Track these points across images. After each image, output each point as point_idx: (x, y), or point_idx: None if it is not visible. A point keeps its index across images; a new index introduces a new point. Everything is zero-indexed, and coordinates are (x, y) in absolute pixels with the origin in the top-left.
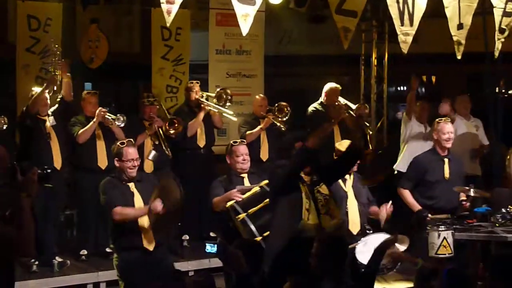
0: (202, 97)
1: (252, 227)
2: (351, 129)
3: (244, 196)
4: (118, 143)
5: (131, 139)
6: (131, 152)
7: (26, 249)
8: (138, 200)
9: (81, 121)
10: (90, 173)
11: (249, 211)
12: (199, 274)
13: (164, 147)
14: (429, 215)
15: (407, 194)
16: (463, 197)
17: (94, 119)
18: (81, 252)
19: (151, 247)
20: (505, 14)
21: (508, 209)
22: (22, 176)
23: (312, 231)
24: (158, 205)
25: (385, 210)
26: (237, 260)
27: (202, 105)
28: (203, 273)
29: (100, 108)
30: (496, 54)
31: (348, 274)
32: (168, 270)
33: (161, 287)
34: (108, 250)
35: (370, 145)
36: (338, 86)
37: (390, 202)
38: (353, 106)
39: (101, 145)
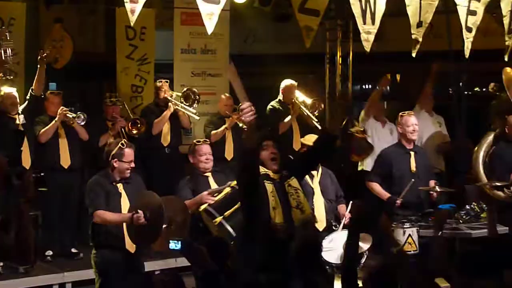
0: (172, 96)
1: (230, 229)
2: (333, 112)
3: (216, 199)
4: (119, 144)
5: (126, 141)
6: (131, 154)
7: (27, 257)
8: (125, 201)
9: (44, 121)
10: (53, 173)
11: (225, 214)
12: (166, 273)
13: None
14: (398, 200)
15: (375, 186)
16: (432, 184)
17: (56, 119)
18: (46, 253)
19: (132, 250)
20: (470, 12)
21: (472, 206)
22: (18, 181)
23: (281, 232)
24: (141, 217)
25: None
26: (202, 256)
27: (170, 104)
28: (170, 272)
29: (61, 107)
30: (467, 53)
31: (316, 272)
32: (142, 273)
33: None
34: (73, 250)
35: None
36: (294, 82)
37: (350, 204)
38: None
39: (63, 144)
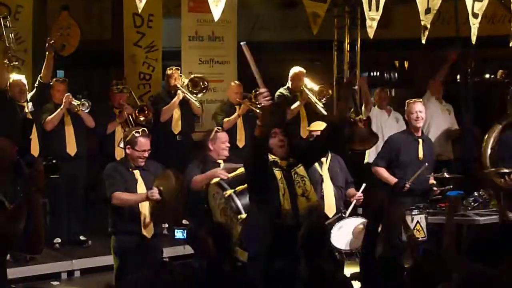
0: (183, 84)
1: (239, 204)
2: (340, 99)
3: (230, 175)
4: (133, 132)
5: (145, 129)
6: (144, 143)
7: (37, 247)
8: (141, 187)
9: (50, 109)
10: (59, 160)
11: (237, 188)
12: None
13: None
14: (407, 184)
15: (382, 171)
16: (432, 180)
17: (62, 106)
18: (55, 241)
19: (149, 235)
20: None
21: (480, 193)
22: (28, 169)
23: (288, 218)
24: (154, 193)
25: (357, 196)
26: (207, 245)
27: (179, 92)
28: (187, 263)
29: (67, 94)
30: (473, 39)
31: (324, 258)
32: (160, 259)
33: (150, 276)
34: (82, 238)
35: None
36: (302, 70)
37: (363, 186)
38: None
39: (70, 132)
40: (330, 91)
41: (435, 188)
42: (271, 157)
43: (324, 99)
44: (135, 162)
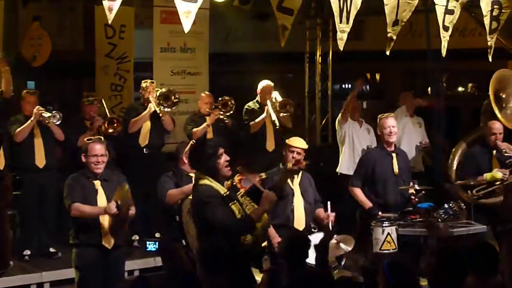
0: (155, 97)
1: None
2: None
3: None
4: (85, 139)
5: (101, 137)
6: (97, 148)
7: (3, 261)
8: (101, 198)
9: (20, 120)
10: (28, 173)
11: None
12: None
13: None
14: (380, 212)
15: (358, 192)
16: (411, 190)
17: (32, 118)
18: (24, 253)
19: (109, 246)
20: (447, 11)
21: (450, 205)
22: None
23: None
24: (112, 207)
25: (331, 217)
26: (179, 257)
27: (150, 105)
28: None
29: (37, 107)
30: (443, 52)
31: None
32: (122, 271)
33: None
34: (51, 250)
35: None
36: (270, 83)
37: (329, 204)
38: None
39: (39, 144)
40: (292, 106)
41: (413, 197)
42: (221, 189)
43: (287, 113)
44: (93, 169)
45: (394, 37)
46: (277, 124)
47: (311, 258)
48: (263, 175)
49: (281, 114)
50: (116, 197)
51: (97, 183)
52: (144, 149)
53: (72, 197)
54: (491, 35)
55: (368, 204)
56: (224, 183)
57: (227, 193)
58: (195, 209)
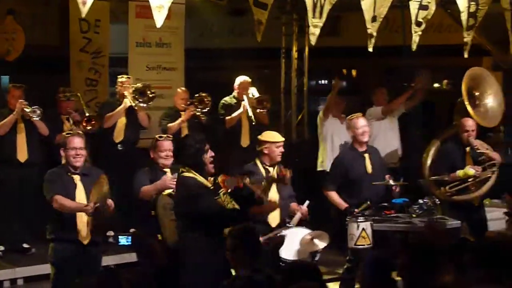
0: (131, 92)
1: None
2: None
3: None
4: (64, 133)
5: (79, 131)
6: (75, 141)
7: None
8: (80, 193)
9: (4, 114)
10: (8, 167)
11: None
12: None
13: None
14: (356, 210)
15: (333, 195)
16: (390, 181)
17: (14, 112)
18: None
19: (85, 242)
20: (422, 7)
21: (425, 200)
22: None
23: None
24: (89, 208)
25: (302, 210)
26: (154, 251)
27: (125, 100)
28: (136, 269)
29: (20, 101)
30: (414, 47)
31: (268, 262)
32: (99, 267)
33: (96, 283)
34: (25, 245)
35: None
36: (247, 79)
37: (307, 202)
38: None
39: (21, 139)
40: (269, 102)
41: (393, 188)
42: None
43: (264, 109)
44: (72, 163)
45: (375, 34)
46: (254, 120)
47: (287, 254)
48: (247, 180)
49: (258, 110)
50: (94, 195)
51: (76, 177)
52: (119, 145)
53: (54, 190)
54: (468, 31)
55: (343, 205)
56: (208, 178)
57: (212, 187)
58: (181, 202)
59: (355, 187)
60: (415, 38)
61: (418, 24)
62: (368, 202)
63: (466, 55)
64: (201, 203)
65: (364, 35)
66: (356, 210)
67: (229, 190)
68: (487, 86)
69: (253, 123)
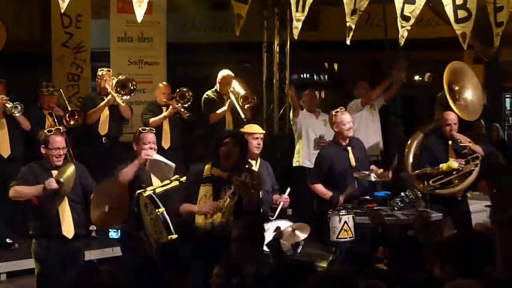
0: (112, 85)
1: (170, 224)
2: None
3: (162, 189)
4: (45, 131)
5: (60, 128)
6: (58, 141)
7: None
8: None
9: None
10: None
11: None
12: (110, 263)
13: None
14: (341, 198)
15: (318, 187)
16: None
17: None
18: None
19: (69, 236)
20: (407, 1)
21: (407, 193)
22: None
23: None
24: (52, 182)
25: (283, 199)
26: (141, 243)
27: (110, 96)
28: (114, 262)
29: (1, 96)
30: (402, 42)
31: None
32: (82, 262)
33: (75, 278)
34: (8, 241)
35: None
36: (230, 73)
37: (288, 190)
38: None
39: (3, 134)
40: (255, 98)
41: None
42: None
43: (250, 104)
44: (52, 162)
45: (353, 26)
46: (244, 116)
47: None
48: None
49: (246, 106)
50: (58, 176)
51: (55, 173)
52: (103, 138)
53: (16, 181)
54: (461, 24)
55: (328, 193)
56: None
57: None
58: None
59: (339, 181)
60: (403, 33)
61: (405, 18)
62: (356, 186)
63: (464, 47)
64: None
65: (344, 29)
66: (341, 199)
67: None
68: (467, 80)
69: (245, 120)
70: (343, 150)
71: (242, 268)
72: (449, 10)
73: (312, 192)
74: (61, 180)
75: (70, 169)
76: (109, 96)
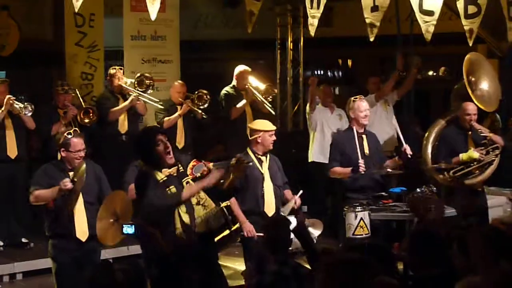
0: (126, 83)
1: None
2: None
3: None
4: (64, 134)
5: (77, 129)
6: (79, 143)
7: None
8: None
9: None
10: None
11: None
12: (124, 262)
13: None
14: (361, 166)
15: (337, 169)
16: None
17: (3, 108)
18: None
19: (83, 238)
20: None
21: (422, 189)
22: None
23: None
24: (66, 182)
25: (295, 200)
26: (156, 239)
27: (132, 97)
28: (129, 261)
29: (8, 96)
30: (429, 37)
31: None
32: (98, 261)
33: (89, 278)
34: (24, 240)
35: None
36: (247, 68)
37: (300, 192)
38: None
39: (10, 135)
40: (275, 90)
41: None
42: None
43: (270, 98)
44: (72, 164)
45: (377, 23)
46: (270, 108)
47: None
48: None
49: (269, 99)
50: (72, 175)
51: (71, 174)
52: (123, 137)
53: (34, 186)
54: (469, 19)
55: (348, 169)
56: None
57: (165, 178)
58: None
59: (352, 167)
60: (427, 28)
61: (426, 13)
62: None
63: (470, 43)
64: (145, 194)
65: (357, 25)
66: (362, 166)
67: (197, 176)
68: (484, 71)
69: (272, 112)
70: (358, 137)
71: (266, 267)
72: (460, 5)
73: (324, 188)
74: (75, 179)
75: (82, 167)
76: (133, 96)
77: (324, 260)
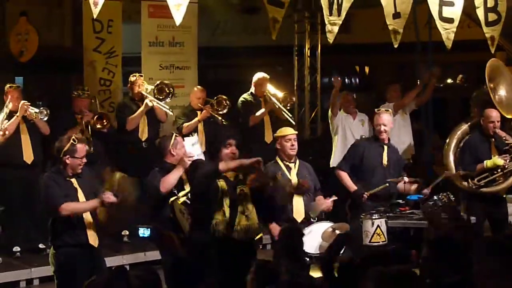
0: (147, 90)
1: None
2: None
3: None
4: (70, 141)
5: (86, 137)
6: (83, 149)
7: None
8: (81, 196)
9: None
10: (16, 169)
11: None
12: (140, 268)
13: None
14: (365, 194)
15: (344, 176)
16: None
17: (17, 113)
18: (14, 249)
19: (96, 244)
20: (444, 3)
21: (439, 197)
22: None
23: (222, 228)
24: (110, 195)
25: (326, 204)
26: (172, 243)
27: (146, 101)
28: (144, 267)
29: (23, 102)
30: (449, 44)
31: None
32: (105, 264)
33: (104, 283)
34: (41, 246)
35: None
36: (266, 76)
37: (334, 198)
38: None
39: (26, 140)
40: (293, 98)
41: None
42: None
43: (289, 105)
44: (75, 170)
45: (400, 30)
46: (289, 116)
47: (311, 247)
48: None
49: (287, 107)
50: (107, 187)
51: (74, 181)
52: (144, 143)
53: (57, 198)
54: (490, 27)
55: (352, 187)
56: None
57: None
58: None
59: (367, 176)
60: (447, 35)
61: (446, 20)
62: (387, 184)
63: (492, 51)
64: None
65: (375, 32)
66: (365, 195)
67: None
68: (503, 78)
69: (293, 120)
70: (379, 146)
71: (278, 276)
72: (480, 12)
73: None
74: (116, 192)
75: (115, 176)
76: (146, 101)
77: (373, 272)
